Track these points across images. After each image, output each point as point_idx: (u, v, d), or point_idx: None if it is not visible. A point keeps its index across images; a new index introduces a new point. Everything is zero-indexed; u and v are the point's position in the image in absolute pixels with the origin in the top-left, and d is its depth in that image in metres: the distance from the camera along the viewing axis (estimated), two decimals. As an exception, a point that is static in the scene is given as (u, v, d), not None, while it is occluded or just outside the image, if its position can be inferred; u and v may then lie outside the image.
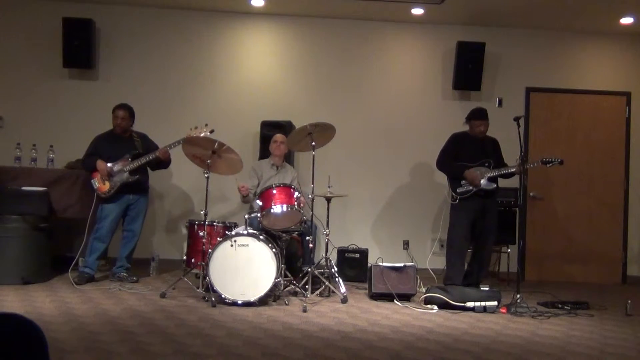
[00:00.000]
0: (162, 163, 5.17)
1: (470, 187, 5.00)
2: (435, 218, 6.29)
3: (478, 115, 5.13)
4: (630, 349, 3.54)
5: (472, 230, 5.08)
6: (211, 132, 4.69)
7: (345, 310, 4.27)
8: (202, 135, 4.67)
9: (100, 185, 4.94)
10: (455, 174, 5.09)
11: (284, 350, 3.16)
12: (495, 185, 5.07)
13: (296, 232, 4.81)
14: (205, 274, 4.26)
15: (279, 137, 5.37)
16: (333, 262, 5.11)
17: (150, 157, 4.99)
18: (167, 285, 4.70)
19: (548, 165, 4.91)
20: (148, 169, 5.23)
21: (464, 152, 5.10)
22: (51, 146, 5.55)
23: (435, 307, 4.43)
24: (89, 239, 5.00)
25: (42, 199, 4.96)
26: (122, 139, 5.12)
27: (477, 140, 5.15)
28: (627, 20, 6.10)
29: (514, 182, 5.73)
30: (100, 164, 4.93)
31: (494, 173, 5.01)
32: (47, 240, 4.99)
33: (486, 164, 5.04)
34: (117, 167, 4.96)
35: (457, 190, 5.05)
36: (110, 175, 4.94)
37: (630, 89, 6.58)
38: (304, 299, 4.38)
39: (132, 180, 4.98)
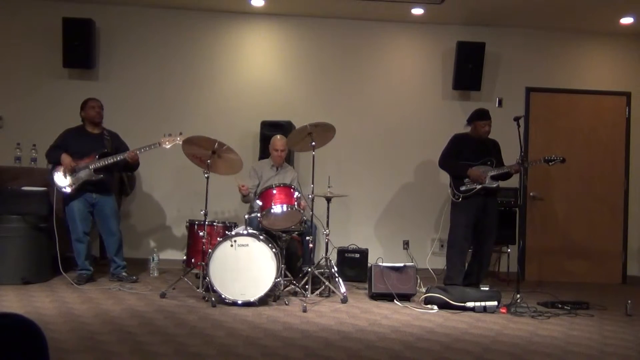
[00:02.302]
0: (130, 165, 5.07)
1: (474, 186, 5.01)
2: (436, 218, 6.29)
3: (483, 116, 5.14)
4: (630, 349, 3.54)
5: (473, 229, 5.09)
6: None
7: (345, 310, 4.27)
8: (172, 144, 4.70)
9: (62, 179, 4.85)
10: (458, 173, 5.10)
11: (284, 350, 3.16)
12: (497, 184, 5.08)
13: (296, 232, 4.81)
14: (205, 274, 4.26)
15: (279, 144, 5.28)
16: (333, 262, 5.11)
17: (118, 158, 4.88)
18: (167, 285, 4.70)
19: (550, 164, 4.93)
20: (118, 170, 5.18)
21: (466, 152, 5.12)
22: (51, 146, 5.55)
23: (435, 307, 4.43)
24: (72, 242, 4.97)
25: (42, 199, 4.96)
26: (92, 136, 5.03)
27: (479, 141, 5.16)
28: (627, 20, 6.10)
29: (514, 182, 5.73)
30: (64, 158, 4.82)
31: (497, 172, 5.02)
32: (47, 240, 4.98)
33: (488, 163, 5.06)
34: (82, 164, 4.85)
35: (460, 189, 5.05)
36: (73, 171, 4.84)
37: (630, 89, 6.58)
38: (304, 299, 4.38)
39: (95, 178, 4.87)
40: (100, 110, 5.08)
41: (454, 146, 5.22)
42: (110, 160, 4.87)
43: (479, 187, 5.00)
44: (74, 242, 4.97)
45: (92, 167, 4.84)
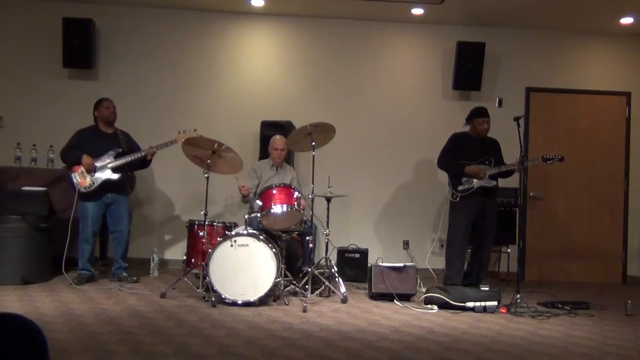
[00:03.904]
0: (145, 163, 5.12)
1: (472, 185, 5.01)
2: (435, 218, 6.29)
3: (481, 113, 5.14)
4: (630, 349, 3.54)
5: (472, 230, 5.09)
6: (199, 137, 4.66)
7: (345, 310, 4.27)
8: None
9: (81, 179, 4.86)
10: (456, 172, 5.10)
11: (284, 350, 3.16)
12: (495, 183, 5.09)
13: (296, 232, 4.81)
14: (205, 274, 4.26)
15: (279, 143, 5.30)
16: (333, 262, 5.11)
17: (135, 157, 4.92)
18: (167, 285, 4.69)
19: (548, 163, 4.91)
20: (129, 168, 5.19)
21: (465, 151, 5.11)
22: (51, 146, 5.55)
23: (435, 307, 4.43)
24: (78, 241, 4.96)
25: (42, 199, 4.95)
26: (106, 135, 5.06)
27: (478, 140, 5.16)
28: (627, 20, 6.10)
29: (514, 182, 5.73)
30: (85, 158, 4.83)
31: (495, 170, 5.02)
32: (47, 240, 4.98)
33: (487, 162, 5.06)
34: (100, 164, 4.89)
35: (458, 188, 5.06)
36: (93, 170, 4.86)
37: (630, 89, 6.58)
38: (304, 299, 4.38)
39: (114, 178, 4.91)
40: (114, 110, 5.12)
41: (452, 145, 5.22)
42: (127, 159, 4.92)
43: (477, 185, 5.00)
44: (81, 241, 4.95)
45: (109, 166, 4.88)
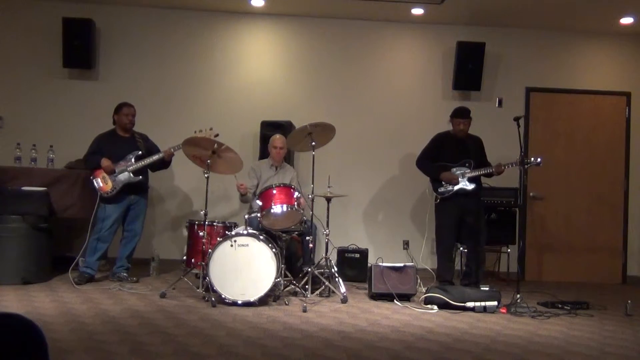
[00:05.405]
0: (164, 164, 5.17)
1: (450, 188, 5.03)
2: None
3: (459, 114, 5.17)
4: (630, 349, 3.54)
5: (461, 230, 5.10)
6: (216, 136, 4.66)
7: (345, 310, 4.27)
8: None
9: (103, 184, 4.92)
10: (433, 175, 5.14)
11: (284, 350, 3.16)
12: (475, 185, 5.07)
13: (296, 232, 4.81)
14: (205, 274, 4.26)
15: (278, 142, 5.31)
16: (333, 262, 5.11)
17: (155, 158, 5.00)
18: (167, 285, 4.70)
19: (526, 166, 4.88)
20: (148, 169, 5.24)
21: (446, 152, 5.15)
22: (51, 146, 5.55)
23: (435, 307, 4.43)
24: (90, 239, 4.98)
25: (42, 199, 4.96)
26: (124, 139, 5.12)
27: (459, 140, 5.17)
28: (627, 20, 6.10)
29: (514, 182, 5.73)
30: (105, 161, 4.91)
31: (473, 173, 5.03)
32: (47, 240, 4.98)
33: (467, 164, 5.06)
34: (120, 167, 4.96)
35: (439, 190, 5.12)
36: (112, 172, 4.93)
37: (630, 89, 6.58)
38: (304, 299, 4.38)
39: (134, 181, 4.98)
40: (133, 117, 5.16)
41: (432, 147, 5.26)
42: (147, 161, 4.99)
43: (455, 188, 5.02)
44: (96, 240, 4.97)
45: (130, 169, 4.95)
